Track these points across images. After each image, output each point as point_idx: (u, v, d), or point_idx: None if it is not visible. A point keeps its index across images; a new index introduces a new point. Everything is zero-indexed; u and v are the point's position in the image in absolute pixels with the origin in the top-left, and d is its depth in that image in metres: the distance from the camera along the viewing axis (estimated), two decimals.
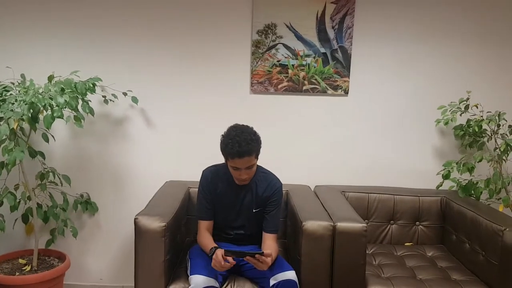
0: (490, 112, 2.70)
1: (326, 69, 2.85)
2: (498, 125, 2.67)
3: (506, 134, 2.68)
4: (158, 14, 2.79)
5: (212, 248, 2.07)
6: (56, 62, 2.77)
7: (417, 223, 2.79)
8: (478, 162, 2.62)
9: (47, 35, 2.79)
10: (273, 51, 2.83)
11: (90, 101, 2.63)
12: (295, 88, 2.87)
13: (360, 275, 2.21)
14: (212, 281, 2.00)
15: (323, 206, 2.46)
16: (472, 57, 2.87)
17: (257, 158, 2.16)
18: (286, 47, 2.82)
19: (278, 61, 2.84)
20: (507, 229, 2.18)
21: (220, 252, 1.97)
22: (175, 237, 2.34)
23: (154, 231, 2.11)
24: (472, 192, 2.69)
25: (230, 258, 1.96)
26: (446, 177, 2.70)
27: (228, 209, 2.27)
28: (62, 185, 2.75)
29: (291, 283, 2.02)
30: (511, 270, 2.07)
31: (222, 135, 2.13)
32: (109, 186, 2.92)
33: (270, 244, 2.17)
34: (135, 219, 2.14)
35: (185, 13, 2.79)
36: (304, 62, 2.84)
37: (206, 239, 2.21)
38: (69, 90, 2.44)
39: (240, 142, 2.03)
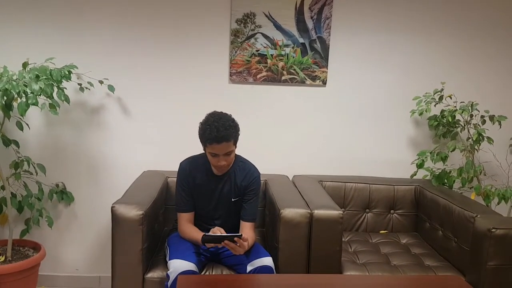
0: (464, 102, 2.76)
1: (304, 59, 2.87)
2: (471, 116, 2.74)
3: (479, 124, 2.75)
4: (135, 2, 2.75)
5: (203, 236, 2.03)
6: (30, 49, 2.71)
7: (392, 211, 2.85)
8: (451, 151, 2.69)
9: (22, 21, 2.72)
10: (252, 40, 2.83)
11: (66, 88, 2.59)
12: (274, 78, 2.88)
13: (336, 261, 2.25)
14: (192, 266, 2.01)
15: (301, 195, 2.49)
16: (447, 48, 2.93)
17: (236, 146, 2.16)
18: (265, 36, 2.83)
19: (257, 50, 2.84)
20: (478, 216, 2.26)
21: (215, 229, 2.04)
22: (153, 226, 2.33)
23: (132, 219, 2.10)
24: (445, 181, 2.76)
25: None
26: (420, 166, 2.75)
27: (207, 200, 2.27)
28: (37, 175, 2.70)
29: (268, 268, 2.05)
30: (481, 255, 2.14)
31: (200, 122, 2.13)
32: (85, 176, 2.88)
33: (247, 232, 2.19)
34: (112, 207, 2.13)
35: (162, 1, 2.76)
36: (283, 52, 2.85)
37: (190, 230, 2.21)
38: (44, 77, 2.39)
39: (218, 127, 2.04)
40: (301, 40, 2.85)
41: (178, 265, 2.00)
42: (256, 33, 2.82)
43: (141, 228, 2.12)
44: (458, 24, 2.91)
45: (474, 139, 2.68)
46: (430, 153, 2.75)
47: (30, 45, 2.73)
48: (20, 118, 2.51)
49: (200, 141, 2.15)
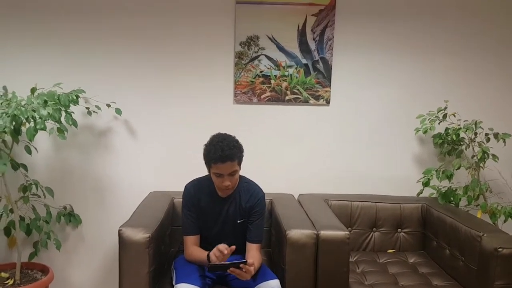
0: (467, 121, 2.77)
1: (308, 79, 2.90)
2: (475, 133, 2.75)
3: (483, 142, 2.76)
4: (141, 25, 2.81)
5: (208, 265, 2.05)
6: (38, 74, 2.76)
7: (399, 230, 2.84)
8: (456, 169, 2.69)
9: (30, 47, 2.78)
10: (256, 62, 2.87)
11: (73, 112, 2.63)
12: (278, 98, 2.91)
13: (344, 282, 2.24)
14: None
15: (307, 215, 2.50)
16: (450, 67, 2.95)
17: (240, 167, 2.18)
18: (269, 58, 2.87)
19: (261, 71, 2.88)
20: (485, 235, 2.24)
21: (220, 246, 2.03)
22: (160, 248, 2.34)
23: (138, 243, 2.11)
24: (452, 199, 2.75)
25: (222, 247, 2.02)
26: (426, 184, 2.75)
27: (213, 222, 2.28)
28: (45, 197, 2.73)
29: None
30: (488, 275, 2.12)
31: (205, 144, 2.16)
32: (92, 198, 2.91)
33: (253, 254, 2.19)
34: (119, 230, 2.14)
35: (169, 24, 2.82)
36: (286, 73, 2.89)
37: (197, 252, 2.21)
38: (52, 102, 2.44)
39: (223, 147, 2.07)
40: (304, 61, 2.88)
41: None
42: (260, 55, 2.86)
43: (147, 251, 2.13)
44: (460, 43, 2.93)
45: (479, 157, 2.69)
46: (436, 171, 2.75)
47: (38, 70, 2.79)
48: (29, 142, 2.55)
49: (205, 162, 2.17)
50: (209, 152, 2.11)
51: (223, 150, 2.07)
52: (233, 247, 2.04)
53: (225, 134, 2.19)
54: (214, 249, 2.05)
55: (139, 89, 2.86)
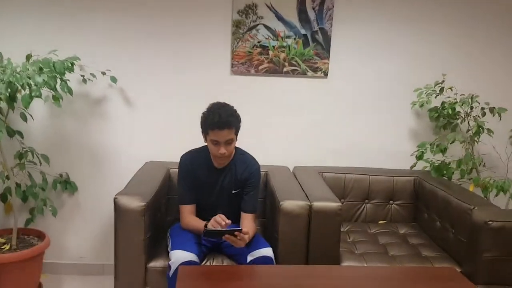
0: (464, 95, 2.77)
1: (306, 51, 2.87)
2: (471, 108, 2.75)
3: (479, 116, 2.77)
4: None
5: (204, 229, 2.08)
6: (33, 41, 2.71)
7: (391, 202, 2.89)
8: (451, 143, 2.71)
9: (24, 13, 2.73)
10: (254, 31, 2.83)
11: (69, 80, 2.61)
12: (276, 69, 2.89)
13: (335, 251, 2.29)
14: (192, 256, 2.05)
15: (301, 187, 2.52)
16: (449, 40, 2.93)
17: (237, 136, 2.19)
18: (267, 27, 2.83)
19: (258, 42, 2.85)
20: (476, 208, 2.28)
21: (218, 217, 2.06)
22: (155, 217, 2.37)
23: (134, 211, 2.14)
24: (445, 172, 2.78)
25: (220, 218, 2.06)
26: (419, 157, 2.78)
27: (208, 192, 2.31)
28: (41, 165, 2.74)
29: (267, 259, 2.09)
30: (478, 247, 2.17)
31: (203, 112, 2.16)
32: (88, 166, 2.92)
33: (248, 223, 2.22)
34: (114, 198, 2.17)
35: None
36: (284, 44, 2.86)
37: (193, 221, 2.24)
38: (48, 70, 2.42)
39: (221, 113, 2.09)
40: (303, 31, 2.85)
41: (179, 256, 2.04)
42: (258, 24, 2.82)
43: (143, 219, 2.16)
44: (460, 16, 2.90)
45: (473, 131, 2.70)
46: (430, 144, 2.77)
47: (33, 37, 2.74)
48: (24, 110, 2.54)
49: (202, 128, 2.18)
50: (207, 118, 2.12)
51: (221, 116, 2.08)
52: (230, 221, 2.07)
53: (224, 102, 2.20)
54: (212, 220, 2.09)
55: (134, 57, 2.83)
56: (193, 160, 2.29)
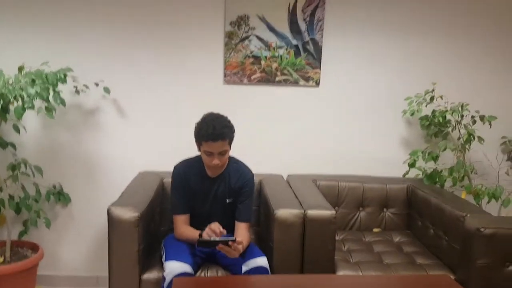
0: (454, 103, 2.80)
1: (298, 60, 2.90)
2: (462, 116, 2.78)
3: (469, 124, 2.80)
4: (130, 4, 2.78)
5: (198, 239, 2.07)
6: (26, 52, 2.73)
7: (385, 209, 2.90)
8: (442, 151, 2.73)
9: (17, 25, 2.74)
10: (246, 42, 2.86)
11: (61, 91, 2.61)
12: (268, 79, 2.91)
13: (330, 260, 2.30)
14: (187, 267, 2.05)
15: (295, 195, 2.53)
16: (438, 49, 2.96)
17: (230, 147, 2.20)
18: (259, 38, 2.86)
19: (251, 52, 2.87)
20: (468, 215, 2.30)
21: (213, 225, 2.06)
22: (149, 227, 2.37)
23: (127, 222, 2.14)
24: (437, 180, 2.80)
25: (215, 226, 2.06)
26: (412, 165, 2.80)
27: (202, 202, 2.31)
28: (34, 176, 2.73)
29: (262, 269, 2.09)
30: (471, 254, 2.18)
31: (197, 122, 2.17)
32: (81, 177, 2.92)
33: (242, 232, 2.22)
34: (108, 209, 2.16)
35: (158, 3, 2.79)
36: (276, 54, 2.88)
37: (187, 231, 2.24)
38: (40, 81, 2.42)
39: (215, 125, 2.09)
40: (294, 42, 2.88)
41: (173, 267, 2.03)
42: (250, 35, 2.85)
43: (137, 229, 2.15)
44: (449, 26, 2.94)
45: (464, 139, 2.73)
46: (422, 152, 2.79)
47: (25, 48, 2.75)
48: (17, 121, 2.53)
49: (196, 139, 2.18)
50: (201, 130, 2.12)
51: (215, 128, 2.08)
52: (224, 230, 2.08)
53: (218, 113, 2.20)
54: (207, 228, 2.08)
55: (128, 68, 2.84)
56: (187, 170, 2.29)
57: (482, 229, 2.14)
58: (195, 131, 2.17)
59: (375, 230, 2.87)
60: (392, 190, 2.89)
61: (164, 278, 2.04)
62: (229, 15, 2.81)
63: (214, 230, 2.05)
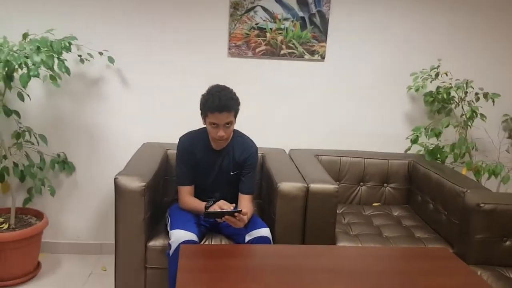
0: (459, 80, 2.81)
1: (304, 33, 2.88)
2: (466, 93, 2.79)
3: (473, 101, 2.81)
4: None
5: (205, 211, 2.12)
6: (30, 19, 2.69)
7: (385, 184, 2.94)
8: (445, 127, 2.75)
9: None
10: (252, 13, 2.83)
11: (66, 60, 2.59)
12: (273, 52, 2.90)
13: (330, 232, 2.34)
14: (192, 235, 2.09)
15: (297, 169, 2.56)
16: (445, 24, 2.95)
17: (235, 119, 2.21)
18: (265, 9, 2.83)
19: (256, 24, 2.84)
20: (468, 191, 2.34)
21: (221, 203, 2.11)
22: (154, 197, 2.40)
23: (134, 191, 2.16)
24: (438, 156, 2.83)
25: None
26: (414, 141, 2.82)
27: (207, 174, 2.33)
28: (38, 145, 2.74)
29: (265, 239, 2.13)
30: (469, 229, 2.22)
31: (202, 94, 2.17)
32: (85, 146, 2.93)
33: (246, 204, 2.26)
34: (115, 178, 2.18)
35: None
36: (282, 26, 2.86)
37: (192, 202, 2.28)
38: (45, 49, 2.40)
39: (221, 97, 2.10)
40: (300, 14, 2.85)
41: (179, 235, 2.07)
42: (256, 6, 2.82)
43: (143, 198, 2.18)
44: (457, 1, 2.91)
45: (467, 116, 2.74)
46: (425, 128, 2.81)
47: (30, 15, 2.71)
48: (21, 89, 2.53)
49: (201, 111, 2.19)
50: (206, 101, 2.13)
51: (220, 100, 2.09)
52: (233, 204, 2.13)
53: (224, 85, 2.21)
54: (215, 205, 2.12)
55: (132, 38, 2.81)
56: (192, 142, 2.31)
57: (482, 205, 2.18)
58: (200, 103, 2.18)
59: (375, 204, 2.91)
60: (394, 165, 2.92)
61: (169, 246, 2.08)
62: None
63: (221, 208, 2.09)
